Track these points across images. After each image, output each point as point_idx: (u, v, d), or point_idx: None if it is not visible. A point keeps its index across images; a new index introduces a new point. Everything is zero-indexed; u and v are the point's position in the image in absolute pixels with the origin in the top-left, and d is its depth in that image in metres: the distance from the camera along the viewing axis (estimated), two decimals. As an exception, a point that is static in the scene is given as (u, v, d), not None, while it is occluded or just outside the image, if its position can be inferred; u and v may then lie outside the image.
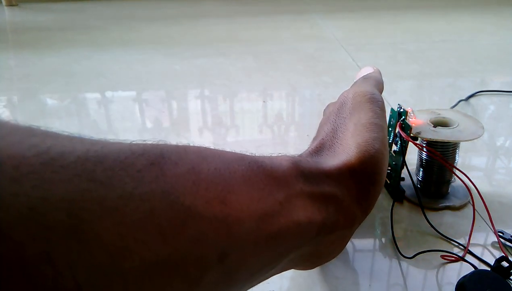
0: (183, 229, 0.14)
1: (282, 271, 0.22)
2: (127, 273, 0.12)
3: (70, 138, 0.14)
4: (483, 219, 0.37)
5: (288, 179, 0.21)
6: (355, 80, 0.35)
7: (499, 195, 0.41)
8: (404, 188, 0.40)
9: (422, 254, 0.34)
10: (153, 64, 0.78)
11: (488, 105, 0.60)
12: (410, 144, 0.38)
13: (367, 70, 0.36)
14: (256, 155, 0.22)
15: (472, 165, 0.46)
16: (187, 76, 0.72)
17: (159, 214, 0.14)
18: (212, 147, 0.19)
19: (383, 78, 0.35)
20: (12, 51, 0.90)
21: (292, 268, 0.23)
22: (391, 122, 0.41)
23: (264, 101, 0.62)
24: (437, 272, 0.32)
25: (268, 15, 1.12)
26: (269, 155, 0.23)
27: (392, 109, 0.40)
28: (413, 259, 0.34)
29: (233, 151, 0.20)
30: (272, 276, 0.21)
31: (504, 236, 0.35)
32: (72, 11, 1.27)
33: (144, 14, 1.19)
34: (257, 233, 0.17)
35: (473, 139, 0.36)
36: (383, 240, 0.36)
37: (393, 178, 0.40)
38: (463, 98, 0.60)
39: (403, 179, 0.40)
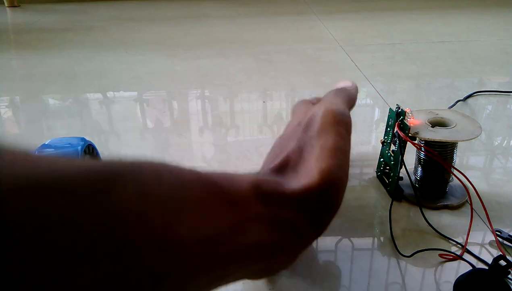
0: (117, 258, 0.14)
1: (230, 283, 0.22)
2: None
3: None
4: (481, 218, 0.38)
5: (245, 202, 0.21)
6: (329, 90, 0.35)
7: (497, 194, 0.41)
8: (403, 187, 0.41)
9: (420, 252, 0.34)
10: (154, 65, 0.79)
11: (485, 106, 0.60)
12: (409, 144, 0.38)
13: (345, 84, 0.36)
14: (220, 170, 0.22)
15: (470, 165, 0.47)
16: (188, 77, 0.72)
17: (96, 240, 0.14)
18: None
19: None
20: (14, 52, 0.90)
21: (242, 279, 0.24)
22: (390, 123, 0.41)
23: (264, 102, 0.63)
24: (435, 271, 0.33)
25: (268, 16, 1.12)
26: (233, 173, 0.23)
27: (390, 110, 0.41)
28: (411, 257, 0.34)
29: (193, 169, 0.20)
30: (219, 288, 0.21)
31: (501, 235, 0.35)
32: (73, 12, 1.27)
33: (145, 15, 1.19)
34: (201, 257, 0.17)
35: (471, 139, 0.36)
36: (382, 239, 0.36)
37: (391, 177, 0.41)
38: (461, 98, 0.61)
39: (401, 178, 0.40)
